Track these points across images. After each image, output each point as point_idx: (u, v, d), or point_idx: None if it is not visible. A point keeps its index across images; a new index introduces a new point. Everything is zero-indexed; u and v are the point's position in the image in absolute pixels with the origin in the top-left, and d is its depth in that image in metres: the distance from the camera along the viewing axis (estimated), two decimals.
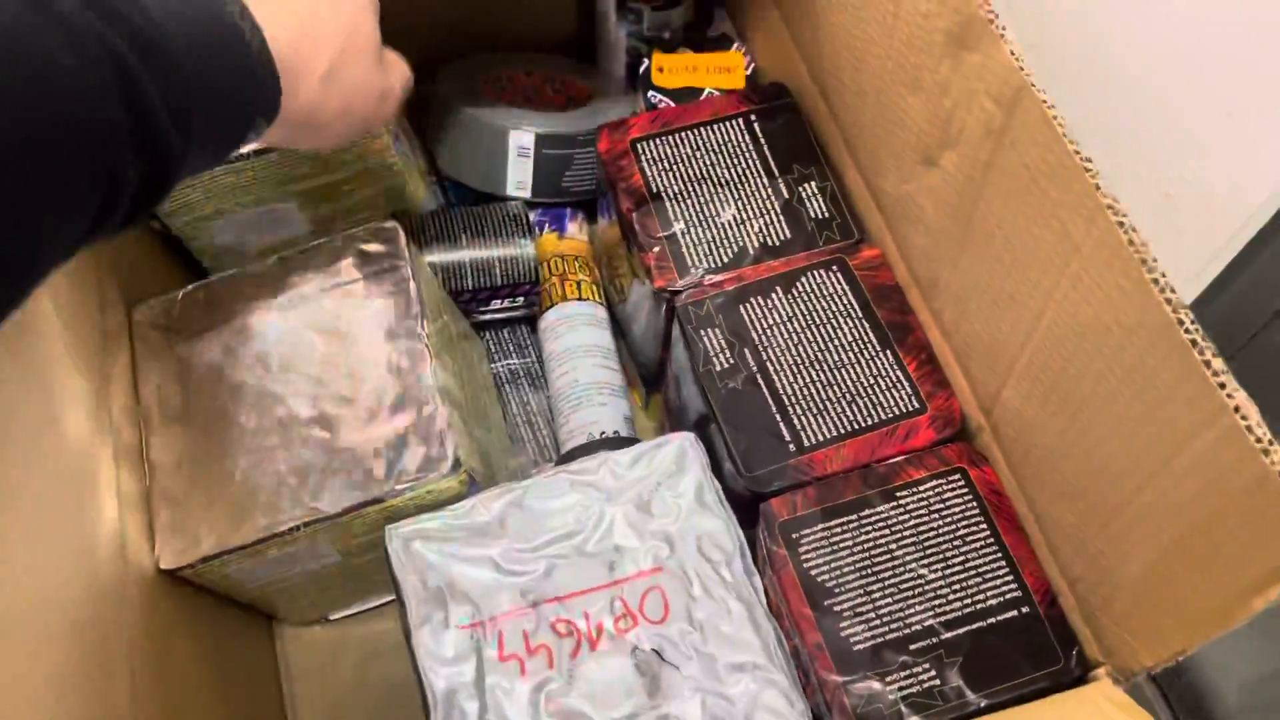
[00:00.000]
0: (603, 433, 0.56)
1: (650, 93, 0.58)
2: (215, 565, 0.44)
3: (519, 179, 0.61)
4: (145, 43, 0.27)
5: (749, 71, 0.59)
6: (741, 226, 0.50)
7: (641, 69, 0.60)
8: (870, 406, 0.46)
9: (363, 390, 0.46)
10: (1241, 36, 0.38)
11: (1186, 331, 0.29)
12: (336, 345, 0.47)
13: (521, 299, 0.58)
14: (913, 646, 0.41)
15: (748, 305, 0.48)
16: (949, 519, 0.44)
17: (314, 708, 0.55)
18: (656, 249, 0.50)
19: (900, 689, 0.40)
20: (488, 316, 0.59)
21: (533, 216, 0.62)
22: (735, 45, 0.60)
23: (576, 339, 0.58)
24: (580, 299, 0.60)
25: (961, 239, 0.40)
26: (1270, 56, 0.38)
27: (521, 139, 0.59)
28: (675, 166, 0.52)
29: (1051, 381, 0.37)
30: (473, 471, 0.46)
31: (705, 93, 0.59)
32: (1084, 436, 0.36)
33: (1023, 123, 0.34)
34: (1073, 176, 0.32)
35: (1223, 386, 0.28)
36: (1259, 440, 0.27)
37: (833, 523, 0.43)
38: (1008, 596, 0.42)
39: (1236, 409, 0.28)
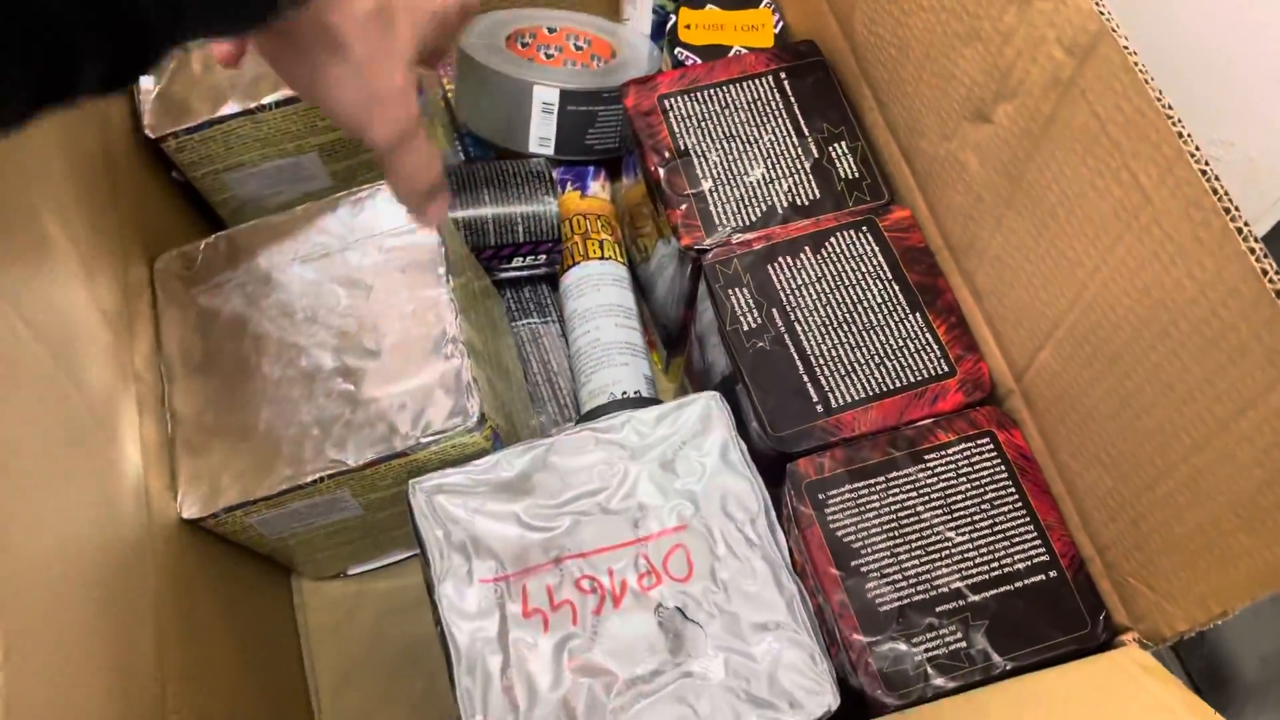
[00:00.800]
0: (624, 392, 0.55)
1: (677, 49, 0.57)
2: (237, 515, 0.44)
3: (542, 135, 0.60)
4: None
5: (778, 30, 0.58)
6: (770, 186, 0.50)
7: (668, 26, 0.59)
8: (898, 369, 0.45)
9: (387, 343, 0.45)
10: None
11: (1271, 282, 0.28)
12: (360, 297, 0.46)
13: (544, 256, 0.58)
14: (939, 609, 0.41)
15: (776, 265, 0.47)
16: (976, 482, 0.43)
17: (332, 662, 0.55)
18: (684, 206, 0.49)
19: (926, 650, 0.40)
20: (509, 274, 0.59)
21: (555, 174, 0.62)
22: (764, 2, 0.59)
23: (599, 298, 0.58)
24: (603, 258, 0.59)
25: (1008, 197, 0.40)
26: None
27: (545, 95, 0.59)
28: (704, 124, 0.51)
29: (1100, 342, 0.36)
30: (496, 427, 0.46)
31: (733, 50, 0.58)
32: (1134, 398, 0.35)
33: (1097, 71, 0.33)
34: (1150, 124, 0.31)
35: None
36: None
37: (859, 484, 0.43)
38: (1035, 561, 0.42)
39: None
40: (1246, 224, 0.29)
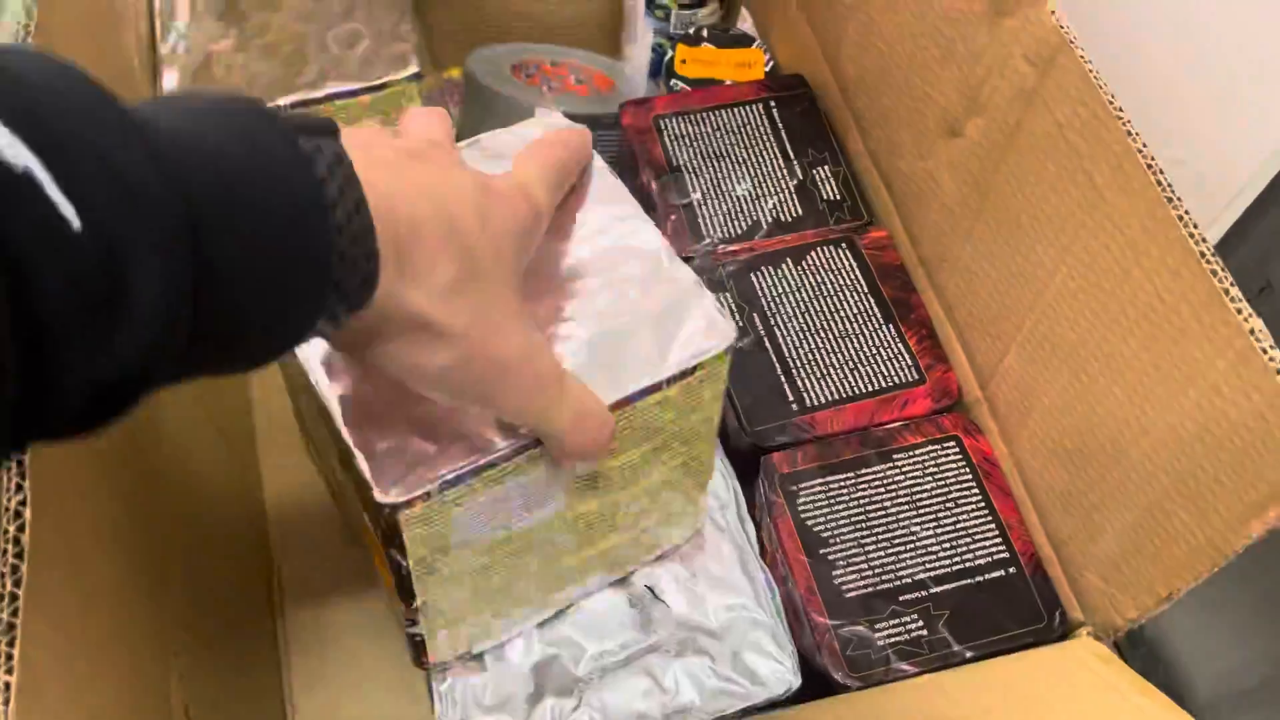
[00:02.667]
0: None
1: (673, 81, 0.61)
2: (449, 499, 0.31)
3: None
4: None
5: (768, 68, 0.62)
6: (756, 202, 0.52)
7: (665, 59, 0.62)
8: (871, 375, 0.48)
9: None
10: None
11: (1207, 262, 0.31)
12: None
13: None
14: (902, 598, 0.42)
15: (759, 273, 0.50)
16: (942, 482, 0.45)
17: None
18: (673, 217, 0.52)
19: (889, 636, 0.41)
20: None
21: None
22: (755, 43, 0.62)
23: None
24: None
25: (978, 209, 0.43)
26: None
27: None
28: (696, 143, 0.54)
29: (1059, 338, 0.39)
30: None
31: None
32: (1088, 390, 0.38)
33: (1057, 81, 0.36)
34: (1103, 125, 0.34)
35: (1239, 312, 0.30)
36: (1273, 360, 0.29)
37: (830, 478, 0.45)
38: (995, 557, 0.43)
39: (1253, 331, 0.30)
40: (1187, 211, 0.32)
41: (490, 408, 0.28)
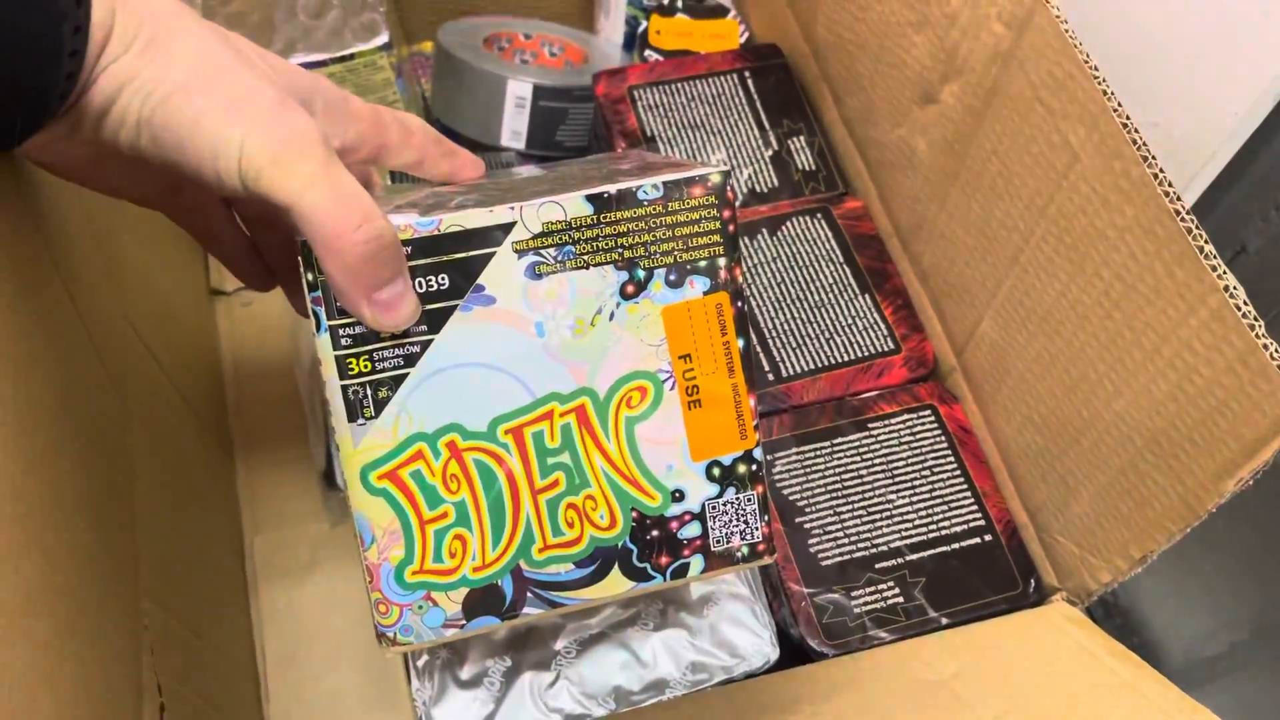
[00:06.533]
0: None
1: (647, 51, 0.60)
2: None
3: (514, 129, 0.62)
4: None
5: (743, 40, 0.61)
6: (731, 173, 0.52)
7: (639, 30, 0.61)
8: (847, 344, 0.47)
9: None
10: None
11: (1182, 220, 0.31)
12: None
13: None
14: (879, 565, 0.42)
15: None
16: (918, 450, 0.45)
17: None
18: None
19: (865, 603, 0.41)
20: None
21: None
22: (731, 14, 0.62)
23: None
24: None
25: (953, 174, 0.42)
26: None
27: (519, 89, 0.61)
28: (670, 114, 0.53)
29: (1034, 303, 0.39)
30: None
31: None
32: (1063, 353, 0.38)
33: (1032, 41, 0.36)
34: (1078, 85, 0.34)
35: (1214, 269, 0.30)
36: (1245, 316, 0.29)
37: (806, 448, 0.45)
38: (971, 525, 0.43)
39: (1227, 288, 0.30)
40: (1161, 170, 0.31)
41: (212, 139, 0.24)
